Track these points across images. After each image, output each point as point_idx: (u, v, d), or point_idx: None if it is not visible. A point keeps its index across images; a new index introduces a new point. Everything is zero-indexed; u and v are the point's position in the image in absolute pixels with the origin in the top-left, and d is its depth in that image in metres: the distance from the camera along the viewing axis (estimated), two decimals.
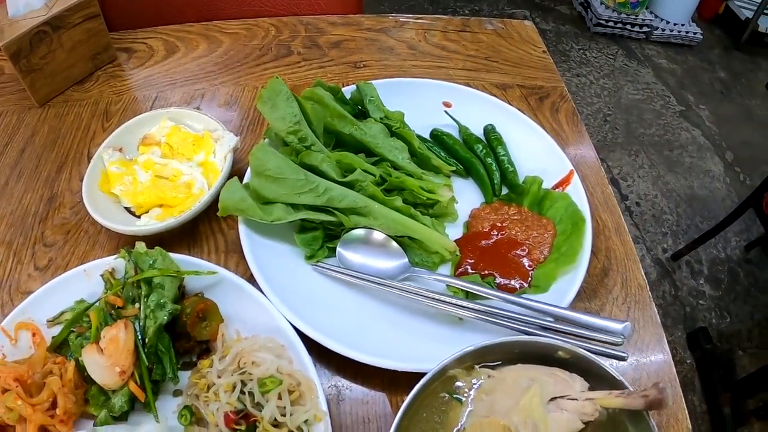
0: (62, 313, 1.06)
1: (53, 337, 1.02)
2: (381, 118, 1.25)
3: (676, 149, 4.12)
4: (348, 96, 1.33)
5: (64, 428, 0.92)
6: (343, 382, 1.04)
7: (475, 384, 0.83)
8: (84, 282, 1.07)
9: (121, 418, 0.95)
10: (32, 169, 1.42)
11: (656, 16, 5.03)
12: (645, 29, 5.00)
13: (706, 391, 2.87)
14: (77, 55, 1.60)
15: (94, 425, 0.94)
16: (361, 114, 1.29)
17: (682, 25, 4.98)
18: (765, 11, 4.76)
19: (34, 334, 1.04)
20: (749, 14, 4.89)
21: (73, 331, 1.02)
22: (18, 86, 1.60)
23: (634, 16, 4.94)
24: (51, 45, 1.51)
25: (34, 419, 0.90)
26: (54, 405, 0.92)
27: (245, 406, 0.89)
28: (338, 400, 1.02)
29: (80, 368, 0.96)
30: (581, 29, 5.13)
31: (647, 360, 1.11)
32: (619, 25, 4.99)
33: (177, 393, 1.00)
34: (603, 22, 4.97)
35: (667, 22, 4.99)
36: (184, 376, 0.99)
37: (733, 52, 5.05)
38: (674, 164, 4.00)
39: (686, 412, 1.04)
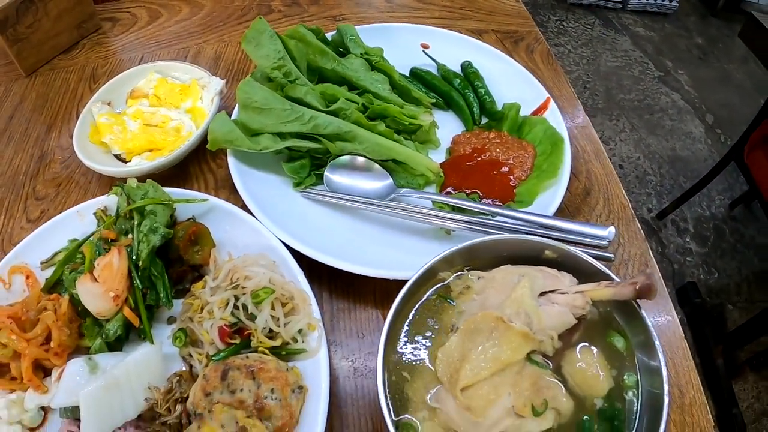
0: (55, 254, 1.08)
1: (47, 279, 1.04)
2: (361, 54, 1.28)
3: (656, 113, 4.17)
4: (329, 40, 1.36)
5: (58, 361, 0.93)
6: (336, 303, 1.07)
7: (467, 286, 0.84)
8: (76, 223, 1.11)
9: (116, 345, 0.97)
10: (21, 133, 1.45)
11: None
12: None
13: (698, 344, 2.92)
14: (63, 24, 1.63)
15: (89, 353, 0.95)
16: (342, 55, 1.32)
17: None
18: None
19: (27, 277, 1.06)
20: None
21: (65, 270, 1.03)
22: (4, 59, 1.63)
23: None
24: (37, 14, 1.54)
25: (28, 353, 0.92)
26: (48, 339, 0.94)
27: (239, 319, 0.91)
28: (332, 319, 1.04)
29: (74, 303, 0.98)
30: (558, 1, 5.17)
31: (636, 271, 1.14)
32: None
33: (171, 320, 1.02)
34: None
35: None
36: (178, 304, 1.01)
37: (709, 18, 5.11)
38: (655, 127, 4.06)
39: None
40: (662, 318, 1.07)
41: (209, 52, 1.62)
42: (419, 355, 0.79)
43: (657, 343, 0.73)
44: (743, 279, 3.24)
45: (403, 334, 0.80)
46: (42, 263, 1.08)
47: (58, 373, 0.92)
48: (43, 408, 0.93)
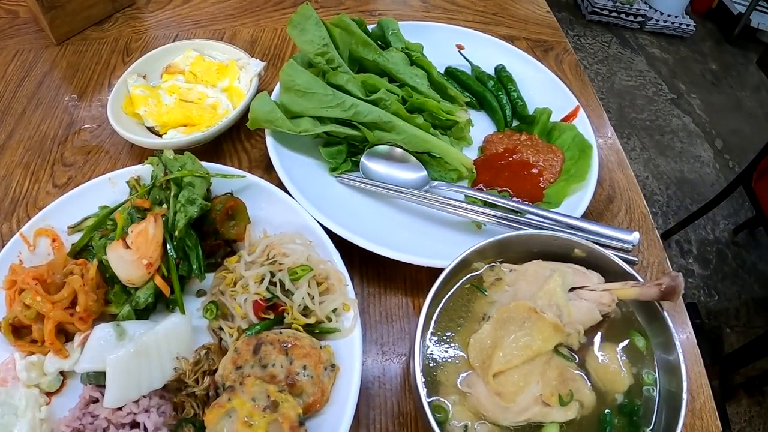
0: (84, 219, 1.08)
1: (73, 244, 1.04)
2: (402, 48, 1.30)
3: (667, 134, 4.21)
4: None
5: (83, 326, 0.93)
6: (367, 287, 1.09)
7: (498, 278, 0.87)
8: (108, 190, 1.11)
9: (143, 314, 0.98)
10: (51, 99, 1.46)
11: (650, 7, 5.12)
12: (639, 19, 5.09)
13: None
14: None
15: (117, 320, 0.95)
16: (381, 48, 1.34)
17: (676, 16, 5.08)
18: (757, 7, 4.88)
19: (53, 240, 1.06)
20: (742, 9, 5.00)
21: (95, 235, 1.04)
22: (34, 27, 1.65)
23: (628, 6, 5.03)
24: None
25: (53, 315, 0.91)
26: (73, 304, 0.94)
27: (274, 295, 0.92)
28: (362, 302, 1.06)
29: (102, 269, 0.98)
30: (576, 16, 5.22)
31: (653, 278, 1.16)
32: (614, 14, 5.08)
33: (201, 293, 1.03)
34: (598, 10, 5.06)
35: (661, 13, 5.09)
36: (208, 278, 1.02)
37: (724, 45, 5.15)
38: (665, 148, 4.10)
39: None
40: (677, 327, 1.09)
41: (245, 35, 1.63)
42: (452, 341, 0.81)
43: (677, 343, 0.76)
44: (742, 304, 3.26)
45: (436, 320, 0.82)
46: (70, 228, 1.08)
47: (81, 338, 0.93)
48: (62, 373, 0.93)
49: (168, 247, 0.97)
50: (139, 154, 1.31)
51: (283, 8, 1.74)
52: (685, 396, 0.72)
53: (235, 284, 0.95)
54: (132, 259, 0.94)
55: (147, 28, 1.67)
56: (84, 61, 1.56)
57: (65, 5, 1.56)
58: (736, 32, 5.06)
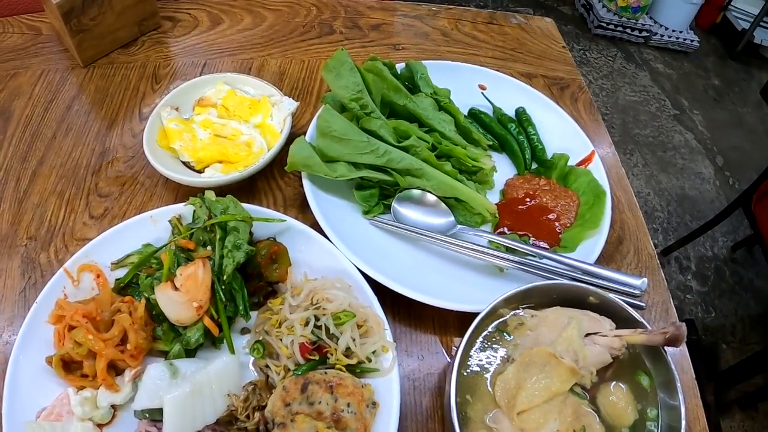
0: (128, 256, 1.11)
1: (117, 279, 1.08)
2: (431, 94, 1.37)
3: (669, 151, 4.29)
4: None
5: (134, 362, 0.97)
6: (398, 326, 1.16)
7: (521, 323, 0.96)
8: (150, 227, 1.14)
9: (193, 352, 1.03)
10: (81, 125, 1.48)
11: (656, 22, 5.20)
12: (644, 34, 5.17)
13: None
14: (125, 19, 1.65)
15: (167, 359, 1.00)
16: (409, 90, 1.40)
17: (680, 32, 5.16)
18: (761, 23, 4.96)
19: (98, 276, 1.08)
20: (745, 25, 5.08)
21: (139, 273, 1.07)
22: (58, 46, 1.67)
23: (634, 21, 5.11)
24: (102, 7, 1.56)
25: (105, 353, 0.95)
26: (123, 341, 0.97)
27: (318, 337, 0.99)
28: (396, 342, 1.11)
29: (149, 307, 1.02)
30: (582, 30, 5.29)
31: (658, 317, 1.26)
32: (620, 28, 5.15)
33: (245, 331, 1.09)
34: (604, 24, 5.13)
35: (666, 29, 5.16)
36: (252, 315, 1.07)
37: (727, 61, 5.24)
38: (667, 165, 4.18)
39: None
40: (677, 359, 1.18)
41: (273, 67, 1.68)
42: (480, 381, 0.90)
43: (678, 385, 0.86)
44: (739, 320, 3.35)
45: (467, 361, 0.91)
46: (113, 264, 1.10)
47: (132, 374, 0.97)
48: (112, 406, 0.97)
49: (216, 290, 1.02)
50: (176, 188, 1.34)
51: (309, 39, 1.80)
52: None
53: (280, 325, 1.01)
54: (182, 301, 0.98)
55: (174, 54, 1.71)
56: (112, 87, 1.58)
57: (93, 29, 1.57)
58: (740, 48, 5.14)
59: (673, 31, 5.15)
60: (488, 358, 0.92)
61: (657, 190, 3.97)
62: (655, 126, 4.45)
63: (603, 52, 5.07)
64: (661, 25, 5.18)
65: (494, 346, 0.93)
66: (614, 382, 0.92)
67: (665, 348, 0.89)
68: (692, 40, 5.12)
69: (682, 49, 5.18)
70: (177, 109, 1.42)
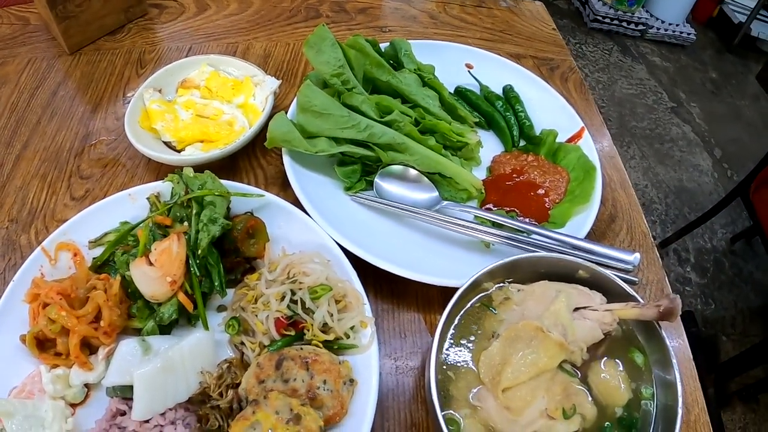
0: (105, 234, 1.10)
1: (94, 258, 1.06)
2: (414, 70, 1.34)
3: (666, 143, 4.26)
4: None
5: (107, 340, 0.96)
6: (381, 304, 1.13)
7: (507, 297, 0.92)
8: (128, 205, 1.13)
9: (168, 329, 1.01)
10: (66, 110, 1.48)
11: (652, 15, 5.17)
12: (640, 27, 5.14)
13: None
14: (111, 6, 1.65)
15: (141, 335, 0.98)
16: (394, 68, 1.38)
17: (677, 25, 5.13)
18: (758, 16, 4.93)
19: (75, 254, 1.07)
20: (742, 18, 5.05)
21: (116, 251, 1.06)
22: (45, 35, 1.66)
23: (630, 14, 5.08)
24: None
25: (78, 330, 0.93)
26: (97, 318, 0.96)
27: (294, 312, 0.96)
28: (377, 318, 1.10)
29: (125, 284, 1.00)
30: (578, 24, 5.26)
31: (652, 296, 1.22)
32: (615, 22, 5.13)
33: (221, 308, 1.07)
34: (600, 18, 5.11)
35: (662, 22, 5.14)
36: (229, 292, 1.05)
37: (724, 54, 5.21)
38: (664, 157, 4.15)
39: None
40: (673, 340, 1.15)
41: (258, 50, 1.67)
42: (463, 357, 0.86)
43: (674, 361, 0.82)
44: (738, 312, 3.32)
45: (449, 337, 0.88)
46: (90, 242, 1.09)
47: (106, 352, 0.95)
48: (86, 385, 0.95)
49: (191, 265, 1.00)
50: (156, 168, 1.33)
51: (295, 23, 1.78)
52: (680, 410, 0.78)
53: (256, 301, 0.98)
54: (156, 276, 0.96)
55: (160, 40, 1.70)
56: (98, 72, 1.58)
57: (79, 15, 1.57)
58: (737, 41, 5.12)
59: (670, 24, 5.12)
60: (472, 333, 0.89)
61: (654, 183, 3.94)
62: (652, 118, 4.42)
63: (599, 45, 5.04)
64: (657, 19, 5.15)
65: (478, 321, 0.90)
66: (606, 360, 0.88)
67: (659, 323, 0.85)
68: (689, 34, 5.09)
69: (679, 42, 5.16)
70: (160, 91, 1.42)
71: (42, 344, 0.96)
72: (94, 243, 1.10)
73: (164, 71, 1.44)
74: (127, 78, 1.57)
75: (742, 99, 4.77)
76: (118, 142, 1.40)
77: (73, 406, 0.94)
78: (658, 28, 5.10)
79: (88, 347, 0.97)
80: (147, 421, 0.88)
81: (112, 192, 1.27)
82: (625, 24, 5.13)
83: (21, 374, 0.94)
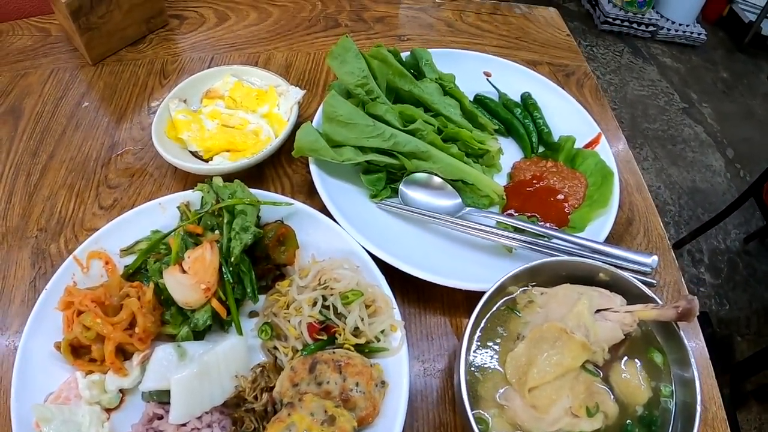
0: (136, 243, 1.13)
1: (126, 266, 1.09)
2: (435, 79, 1.38)
3: (678, 144, 4.26)
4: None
5: (141, 346, 0.98)
6: (408, 308, 1.16)
7: (531, 300, 0.95)
8: (158, 215, 1.16)
9: (201, 334, 1.04)
10: (90, 120, 1.50)
11: (662, 16, 5.17)
12: (651, 28, 5.14)
13: None
14: (132, 18, 1.68)
15: (175, 340, 1.00)
16: (415, 77, 1.40)
17: (687, 25, 5.13)
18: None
19: (106, 263, 1.09)
20: (752, 17, 5.04)
21: (148, 259, 1.08)
22: (67, 46, 1.70)
23: (640, 15, 5.09)
24: (110, 5, 1.58)
25: (113, 337, 0.96)
26: (131, 325, 0.98)
27: (326, 317, 0.99)
28: (405, 322, 1.11)
29: (158, 292, 1.03)
30: (589, 26, 5.28)
31: (670, 297, 1.24)
32: (626, 23, 5.14)
33: (253, 314, 1.10)
34: (610, 20, 5.11)
35: (673, 23, 5.14)
36: (260, 298, 1.08)
37: (735, 53, 5.20)
38: (677, 158, 4.15)
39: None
40: (691, 341, 1.17)
41: (280, 60, 1.70)
42: (490, 359, 0.89)
43: (692, 360, 0.85)
44: (753, 312, 3.31)
45: (476, 339, 0.91)
46: (122, 250, 1.12)
47: (141, 358, 0.98)
48: (120, 390, 0.98)
49: (224, 272, 1.03)
50: (183, 177, 1.35)
51: (315, 32, 1.81)
52: (698, 408, 0.81)
53: (288, 307, 1.01)
54: (189, 283, 0.99)
55: (182, 50, 1.73)
56: (121, 83, 1.60)
57: (101, 27, 1.60)
58: (747, 40, 5.10)
59: (680, 24, 5.12)
60: (498, 336, 0.92)
61: (668, 184, 3.95)
62: (664, 120, 4.43)
63: (610, 47, 5.05)
64: (667, 19, 5.15)
65: (504, 324, 0.93)
66: (627, 360, 0.91)
67: (677, 324, 0.88)
68: (699, 34, 5.09)
69: (690, 42, 5.15)
70: (185, 101, 1.44)
71: (76, 351, 0.99)
72: (126, 251, 1.12)
73: (189, 81, 1.46)
74: (151, 88, 1.60)
75: (754, 98, 4.77)
76: (145, 152, 1.42)
77: (108, 411, 0.96)
78: (669, 29, 5.10)
79: (123, 353, 1.00)
80: (184, 425, 0.91)
81: (140, 201, 1.30)
82: (635, 25, 5.13)
83: (56, 380, 0.97)
